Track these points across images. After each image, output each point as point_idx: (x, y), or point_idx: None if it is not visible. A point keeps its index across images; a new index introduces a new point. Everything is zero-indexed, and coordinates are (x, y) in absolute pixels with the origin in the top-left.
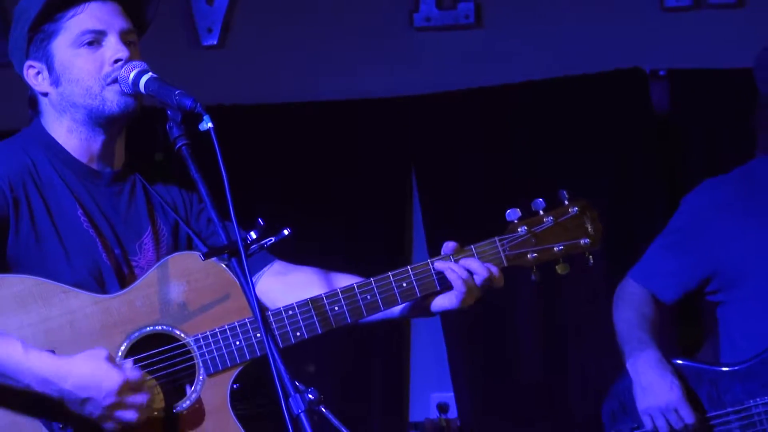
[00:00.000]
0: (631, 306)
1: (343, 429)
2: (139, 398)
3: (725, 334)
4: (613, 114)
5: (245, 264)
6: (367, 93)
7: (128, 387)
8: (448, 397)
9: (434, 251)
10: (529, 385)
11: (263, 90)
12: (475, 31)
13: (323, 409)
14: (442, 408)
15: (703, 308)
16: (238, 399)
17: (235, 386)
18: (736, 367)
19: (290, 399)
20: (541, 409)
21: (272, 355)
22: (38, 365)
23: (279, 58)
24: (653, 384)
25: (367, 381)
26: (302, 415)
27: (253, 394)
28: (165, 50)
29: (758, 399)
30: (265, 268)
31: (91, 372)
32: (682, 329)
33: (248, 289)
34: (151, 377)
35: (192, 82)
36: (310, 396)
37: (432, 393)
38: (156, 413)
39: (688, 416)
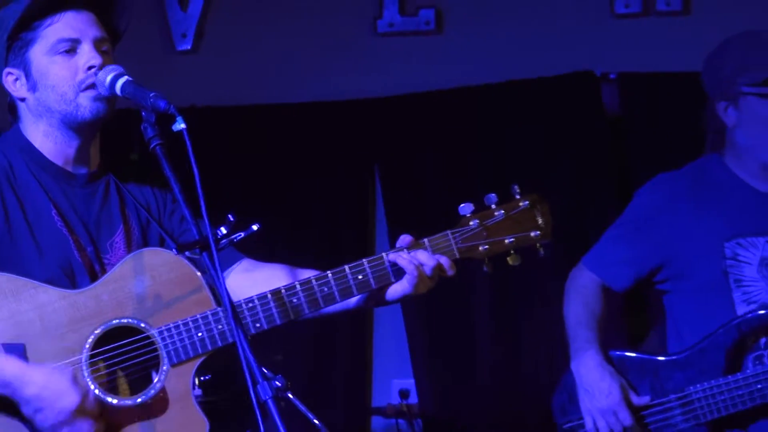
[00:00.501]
0: (581, 300)
1: (308, 414)
2: (86, 426)
3: (671, 323)
4: (566, 115)
5: (216, 258)
6: (333, 95)
7: (81, 411)
8: (409, 383)
9: (396, 244)
10: (485, 373)
11: (234, 93)
12: (435, 37)
13: (290, 396)
14: (404, 394)
15: (649, 298)
16: (211, 389)
17: (205, 377)
18: (676, 357)
19: (258, 386)
20: (497, 395)
21: (241, 344)
22: (3, 370)
23: (249, 63)
24: (594, 386)
25: (331, 368)
26: (270, 401)
27: (225, 383)
28: (141, 55)
29: (698, 385)
30: (234, 265)
31: (51, 386)
32: (630, 318)
33: (219, 281)
34: (116, 369)
35: (166, 85)
36: (277, 383)
37: (393, 379)
38: (123, 402)
39: (626, 419)
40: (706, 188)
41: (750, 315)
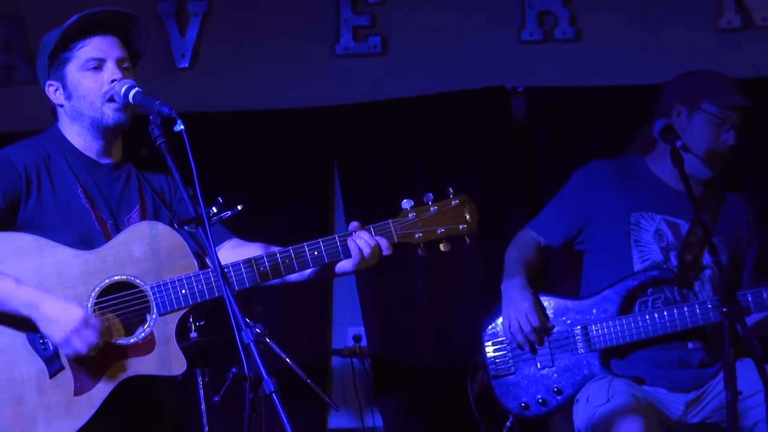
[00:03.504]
0: (519, 248)
1: (282, 354)
2: (91, 336)
3: (585, 276)
4: (482, 121)
5: (208, 230)
6: (301, 103)
7: (86, 323)
8: (361, 330)
9: (347, 228)
10: (422, 320)
11: (224, 101)
12: (381, 58)
13: (267, 340)
14: (357, 338)
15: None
16: (204, 333)
17: (200, 323)
18: (583, 299)
19: (242, 332)
20: (432, 336)
21: (228, 298)
22: (25, 294)
23: (235, 78)
24: (514, 296)
25: (300, 318)
26: (251, 344)
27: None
28: (149, 71)
29: (597, 321)
30: (225, 242)
31: (60, 305)
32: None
33: (211, 249)
34: (114, 315)
35: (169, 95)
36: (257, 330)
37: (348, 327)
38: (118, 341)
39: (535, 320)
40: (627, 173)
41: (641, 272)
